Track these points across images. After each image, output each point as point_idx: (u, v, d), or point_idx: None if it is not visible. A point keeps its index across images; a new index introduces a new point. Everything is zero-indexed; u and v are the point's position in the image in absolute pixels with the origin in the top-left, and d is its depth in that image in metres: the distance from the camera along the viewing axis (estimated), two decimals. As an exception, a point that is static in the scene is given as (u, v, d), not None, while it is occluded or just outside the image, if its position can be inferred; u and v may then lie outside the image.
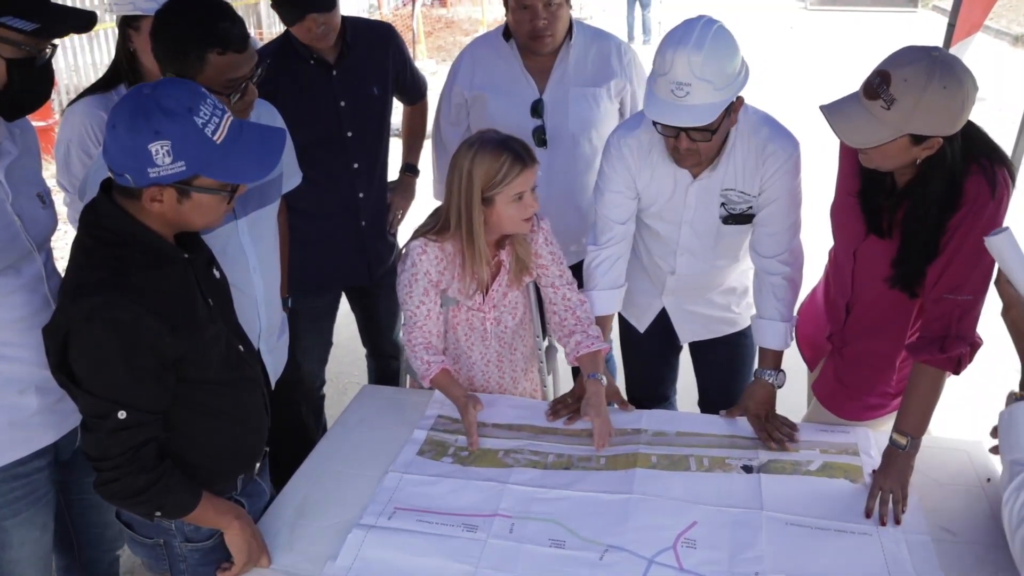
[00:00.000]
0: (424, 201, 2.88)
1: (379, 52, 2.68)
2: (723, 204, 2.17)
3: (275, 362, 2.28)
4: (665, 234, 2.28)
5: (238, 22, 1.84)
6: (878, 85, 1.70)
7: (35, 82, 1.68)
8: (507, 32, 2.61)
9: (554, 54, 2.57)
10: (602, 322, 2.31)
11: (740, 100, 2.00)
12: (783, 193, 2.13)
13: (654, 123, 2.02)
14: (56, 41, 1.68)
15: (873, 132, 1.72)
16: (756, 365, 2.55)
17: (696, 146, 1.99)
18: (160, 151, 1.42)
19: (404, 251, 2.16)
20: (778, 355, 2.23)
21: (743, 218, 2.18)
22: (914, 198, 1.84)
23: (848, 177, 2.00)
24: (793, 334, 2.25)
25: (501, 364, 2.37)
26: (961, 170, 1.78)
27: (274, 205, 2.19)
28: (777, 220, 2.16)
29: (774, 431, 2.09)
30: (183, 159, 1.44)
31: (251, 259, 2.07)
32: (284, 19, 2.49)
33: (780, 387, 2.21)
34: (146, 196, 1.48)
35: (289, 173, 2.28)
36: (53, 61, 1.71)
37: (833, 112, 1.77)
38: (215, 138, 1.46)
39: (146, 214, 1.51)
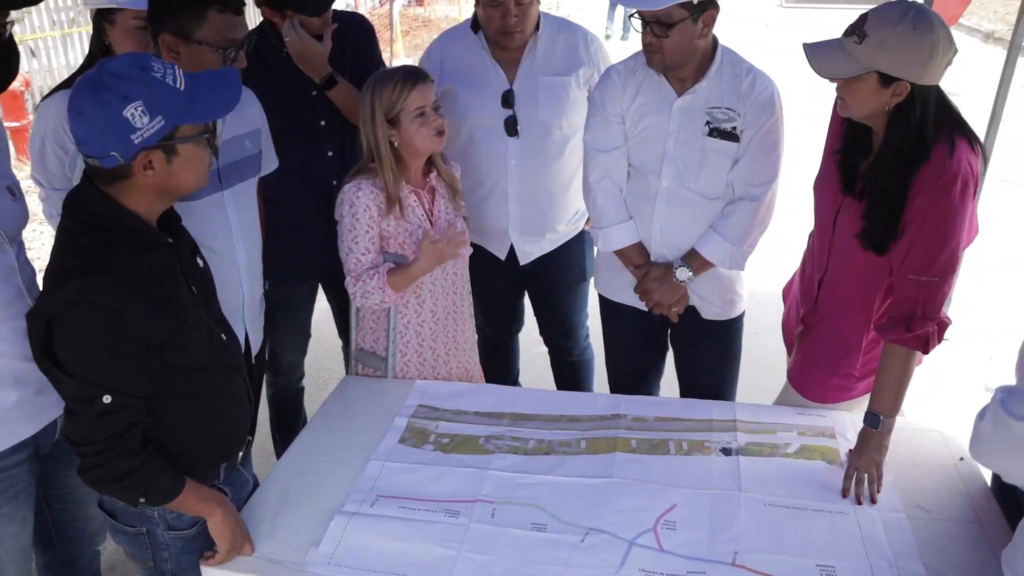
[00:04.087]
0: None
1: (351, 41, 2.68)
2: (708, 122, 2.26)
3: (257, 337, 2.30)
4: (650, 156, 2.33)
5: None
6: (855, 24, 1.82)
7: (1, 60, 1.68)
8: (475, 24, 2.62)
9: (522, 45, 2.60)
10: (625, 254, 2.44)
11: (711, 15, 2.13)
12: (763, 124, 2.24)
13: (630, 17, 2.21)
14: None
15: (842, 64, 1.83)
16: (741, 360, 2.61)
17: (659, 43, 2.13)
18: (136, 112, 1.44)
19: (339, 198, 2.23)
20: (703, 261, 2.34)
21: (728, 135, 2.26)
22: (881, 146, 1.91)
23: (833, 139, 2.08)
24: (742, 263, 2.37)
25: (458, 318, 2.44)
26: (931, 131, 1.84)
27: (254, 181, 2.22)
28: (754, 152, 2.26)
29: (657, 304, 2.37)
30: (159, 113, 1.46)
31: (235, 229, 2.10)
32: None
33: (681, 281, 2.35)
34: (137, 168, 1.48)
35: (268, 155, 2.30)
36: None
37: (812, 48, 1.89)
38: (177, 86, 1.49)
39: (132, 196, 1.52)
